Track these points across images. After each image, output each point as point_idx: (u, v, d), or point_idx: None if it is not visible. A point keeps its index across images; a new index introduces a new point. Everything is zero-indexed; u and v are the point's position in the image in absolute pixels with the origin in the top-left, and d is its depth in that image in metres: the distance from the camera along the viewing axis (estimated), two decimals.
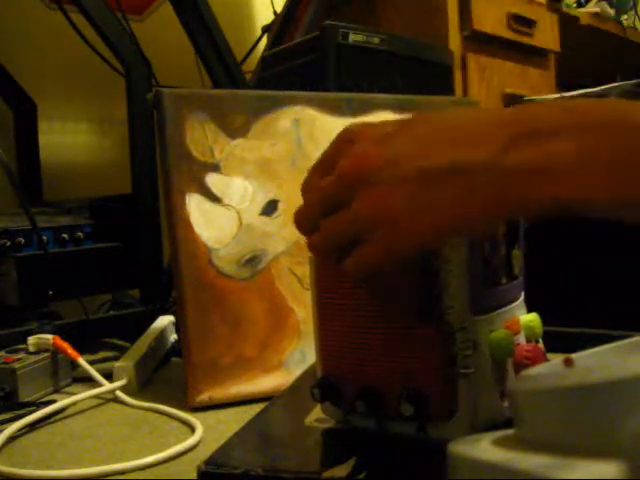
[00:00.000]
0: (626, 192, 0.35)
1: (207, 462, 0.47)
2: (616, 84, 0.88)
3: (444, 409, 0.46)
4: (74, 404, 0.75)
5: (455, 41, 1.66)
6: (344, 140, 0.44)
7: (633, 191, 0.35)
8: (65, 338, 0.83)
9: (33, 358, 0.79)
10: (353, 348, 0.50)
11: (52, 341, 0.82)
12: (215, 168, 0.79)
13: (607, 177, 0.35)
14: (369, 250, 0.42)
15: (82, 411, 0.75)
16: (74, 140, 1.63)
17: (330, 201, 0.44)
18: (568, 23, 2.04)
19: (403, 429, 0.48)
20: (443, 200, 0.39)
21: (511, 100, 1.69)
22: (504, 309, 0.51)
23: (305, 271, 0.80)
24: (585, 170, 0.36)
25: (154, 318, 0.99)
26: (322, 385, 0.51)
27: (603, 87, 0.95)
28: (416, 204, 0.39)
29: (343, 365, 0.51)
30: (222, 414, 0.72)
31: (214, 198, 0.78)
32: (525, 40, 1.87)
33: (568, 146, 0.36)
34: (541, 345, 0.54)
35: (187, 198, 0.77)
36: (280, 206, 0.81)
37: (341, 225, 0.43)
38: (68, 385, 0.85)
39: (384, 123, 0.43)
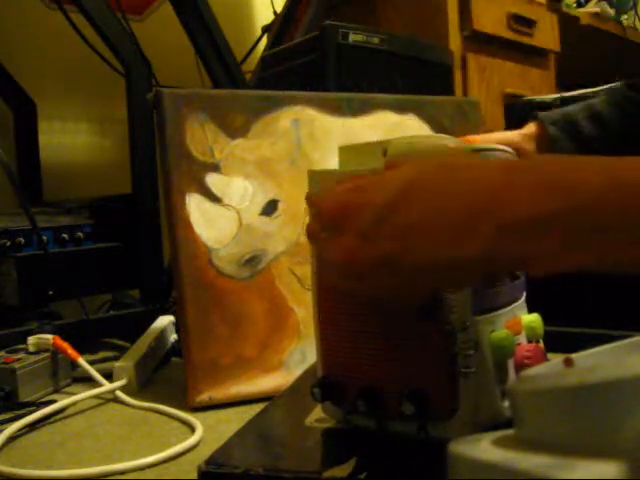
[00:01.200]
0: (622, 257, 0.35)
1: (207, 462, 0.47)
2: (605, 86, 0.88)
3: (445, 408, 0.46)
4: (74, 404, 0.75)
5: (455, 41, 1.65)
6: (329, 220, 0.45)
7: (628, 255, 0.35)
8: (65, 338, 0.83)
9: (33, 358, 0.79)
10: (354, 348, 0.50)
11: (52, 341, 0.82)
12: (215, 168, 0.79)
13: (601, 251, 0.35)
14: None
15: (82, 411, 0.75)
16: (74, 140, 1.63)
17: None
18: (568, 23, 2.03)
19: (404, 428, 0.48)
20: (432, 287, 0.44)
21: (511, 100, 1.68)
22: (505, 309, 0.51)
23: (305, 271, 0.80)
24: (567, 256, 0.36)
25: (154, 318, 0.99)
26: (323, 385, 0.51)
27: (593, 89, 0.95)
28: (407, 292, 0.43)
29: (344, 364, 0.51)
30: (222, 414, 0.72)
31: (214, 198, 0.78)
32: (525, 40, 1.87)
33: (547, 241, 0.36)
34: (542, 345, 0.54)
35: (187, 198, 0.77)
36: (280, 206, 0.81)
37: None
38: (68, 385, 0.85)
39: (364, 206, 0.42)
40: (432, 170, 0.42)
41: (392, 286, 0.42)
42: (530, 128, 0.66)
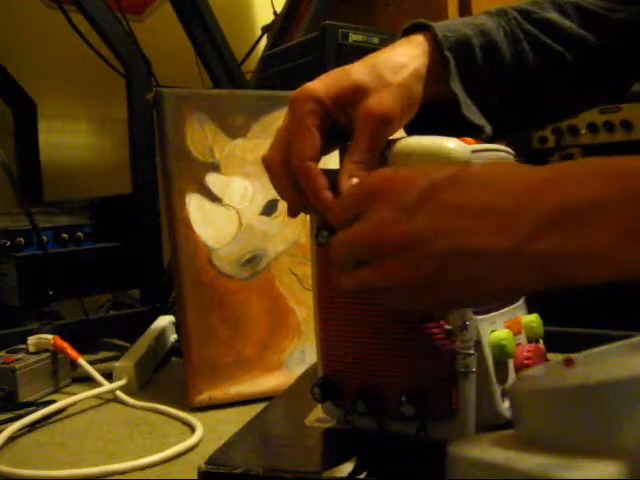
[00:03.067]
0: None
1: (207, 462, 0.47)
2: None
3: (445, 408, 0.46)
4: (74, 404, 0.75)
5: None
6: (370, 194, 0.42)
7: None
8: (65, 338, 0.83)
9: (33, 358, 0.79)
10: (354, 348, 0.50)
11: (52, 341, 0.82)
12: (215, 168, 0.79)
13: None
14: (383, 301, 0.44)
15: (82, 411, 0.75)
16: (74, 140, 1.63)
17: (351, 254, 0.43)
18: None
19: (404, 429, 0.48)
20: (459, 282, 0.38)
21: None
22: (505, 309, 0.51)
23: (305, 271, 0.80)
24: (623, 250, 0.32)
25: (154, 318, 0.99)
26: (323, 385, 0.51)
27: None
28: (432, 282, 0.39)
29: (344, 365, 0.51)
30: (222, 414, 0.72)
31: (214, 198, 0.78)
32: None
33: (601, 230, 0.33)
34: (542, 345, 0.54)
35: (187, 198, 0.77)
36: (280, 206, 0.81)
37: (360, 283, 0.43)
38: (68, 385, 0.85)
39: (411, 183, 0.40)
40: (480, 166, 0.40)
41: (415, 274, 0.39)
42: (421, 43, 0.53)
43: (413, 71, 0.50)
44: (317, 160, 0.48)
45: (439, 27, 0.54)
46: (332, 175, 0.48)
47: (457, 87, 0.53)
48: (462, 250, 0.37)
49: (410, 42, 0.53)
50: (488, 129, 0.53)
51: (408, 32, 0.55)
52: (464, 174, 0.39)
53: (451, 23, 0.55)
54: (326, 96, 0.48)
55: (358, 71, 0.50)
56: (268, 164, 0.51)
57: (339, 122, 0.49)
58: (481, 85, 0.54)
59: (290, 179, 0.49)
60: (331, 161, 0.52)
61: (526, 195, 0.36)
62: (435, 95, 0.52)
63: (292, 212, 0.52)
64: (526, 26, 0.58)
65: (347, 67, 0.51)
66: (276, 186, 0.51)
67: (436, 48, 0.53)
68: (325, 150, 0.50)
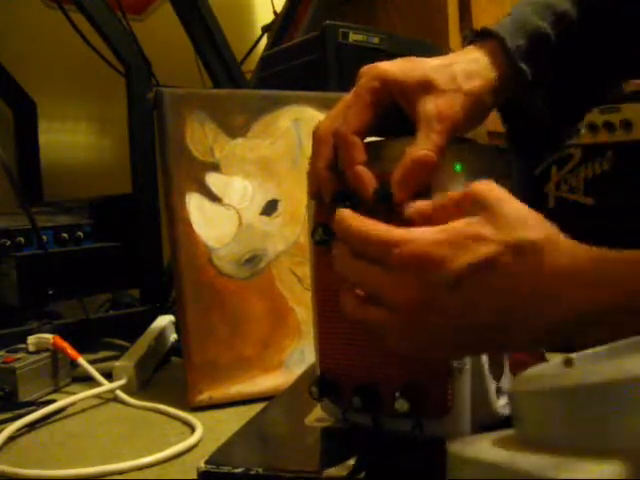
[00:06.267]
0: None
1: (207, 462, 0.47)
2: None
3: (439, 405, 0.46)
4: (74, 404, 0.75)
5: (455, 41, 1.65)
6: (406, 262, 0.40)
7: None
8: (65, 338, 0.83)
9: (33, 358, 0.79)
10: (350, 345, 0.50)
11: (52, 341, 0.82)
12: (215, 168, 0.79)
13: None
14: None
15: (82, 411, 0.75)
16: (74, 139, 1.63)
17: (362, 287, 0.43)
18: None
19: (399, 426, 0.48)
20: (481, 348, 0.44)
21: None
22: None
23: (305, 271, 0.80)
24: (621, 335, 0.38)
25: (154, 318, 0.99)
26: (320, 382, 0.51)
27: None
28: (460, 347, 0.42)
29: (341, 362, 0.51)
30: (222, 414, 0.72)
31: (214, 198, 0.78)
32: None
33: (604, 328, 0.39)
34: None
35: (187, 198, 0.77)
36: (280, 206, 0.81)
37: (370, 320, 0.43)
38: (68, 385, 0.85)
39: (449, 263, 0.39)
40: (511, 247, 0.39)
41: (439, 348, 0.42)
42: (492, 53, 0.50)
43: (485, 82, 0.49)
44: (364, 136, 0.48)
45: (509, 30, 0.50)
46: (373, 146, 0.48)
47: (537, 101, 0.52)
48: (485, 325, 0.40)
49: (481, 50, 0.51)
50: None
51: (477, 38, 0.52)
52: (502, 258, 0.39)
53: (521, 15, 0.51)
54: (393, 79, 0.48)
55: (433, 67, 0.49)
56: (316, 129, 0.50)
57: (400, 108, 0.48)
58: (558, 75, 0.53)
59: (331, 149, 0.48)
60: None
61: (573, 291, 0.38)
62: (512, 103, 0.52)
63: (313, 192, 0.51)
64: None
65: (424, 59, 0.51)
66: (314, 152, 0.49)
67: (508, 59, 0.50)
68: (378, 131, 0.49)
